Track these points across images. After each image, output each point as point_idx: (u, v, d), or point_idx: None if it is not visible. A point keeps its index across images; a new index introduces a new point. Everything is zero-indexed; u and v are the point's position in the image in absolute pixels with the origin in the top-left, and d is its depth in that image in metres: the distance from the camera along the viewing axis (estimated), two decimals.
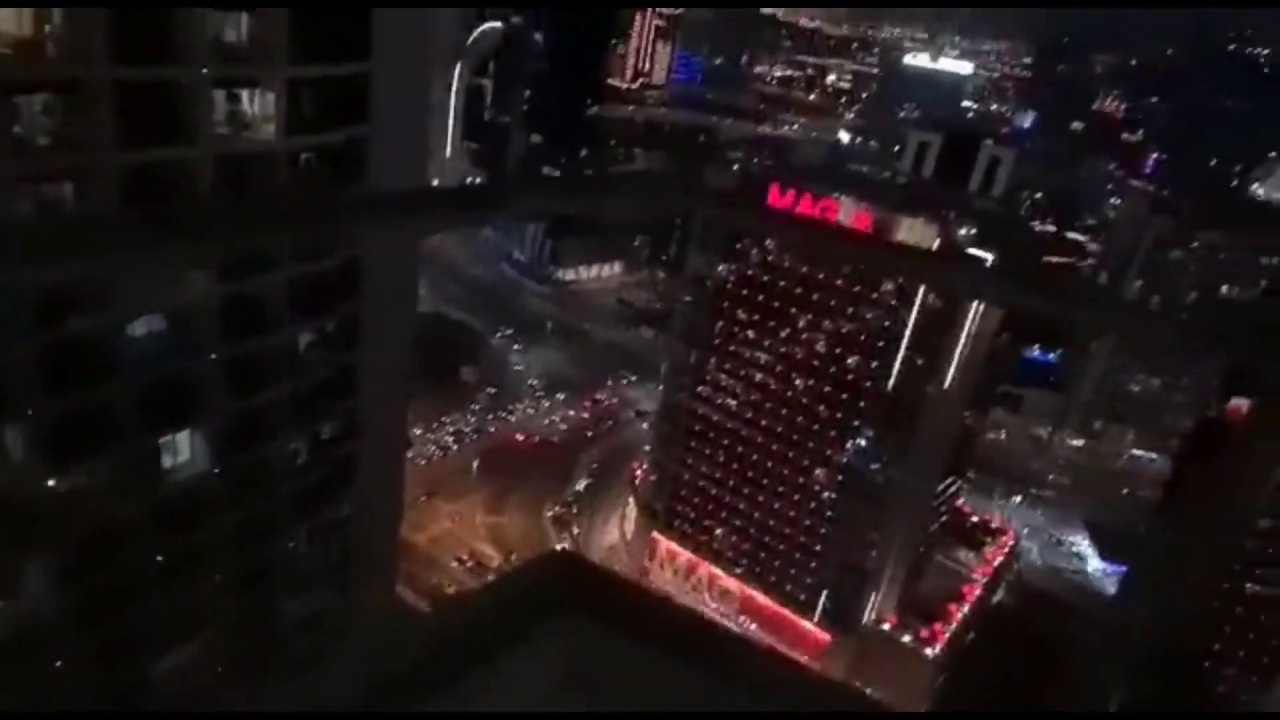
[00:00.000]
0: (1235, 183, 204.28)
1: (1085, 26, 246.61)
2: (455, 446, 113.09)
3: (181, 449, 32.69)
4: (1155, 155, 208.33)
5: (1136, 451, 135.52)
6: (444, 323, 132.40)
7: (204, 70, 28.62)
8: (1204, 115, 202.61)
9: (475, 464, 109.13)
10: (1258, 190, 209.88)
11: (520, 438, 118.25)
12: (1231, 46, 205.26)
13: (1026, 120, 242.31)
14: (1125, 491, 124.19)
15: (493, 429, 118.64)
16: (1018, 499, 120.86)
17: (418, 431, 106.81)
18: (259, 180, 32.08)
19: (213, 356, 31.93)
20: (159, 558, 32.40)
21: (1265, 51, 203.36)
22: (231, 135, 31.06)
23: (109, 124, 26.59)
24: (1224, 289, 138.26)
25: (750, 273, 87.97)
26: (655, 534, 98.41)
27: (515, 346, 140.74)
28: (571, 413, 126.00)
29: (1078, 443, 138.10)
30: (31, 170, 26.38)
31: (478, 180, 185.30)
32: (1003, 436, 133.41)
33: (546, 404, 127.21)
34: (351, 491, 40.41)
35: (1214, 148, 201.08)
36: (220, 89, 30.34)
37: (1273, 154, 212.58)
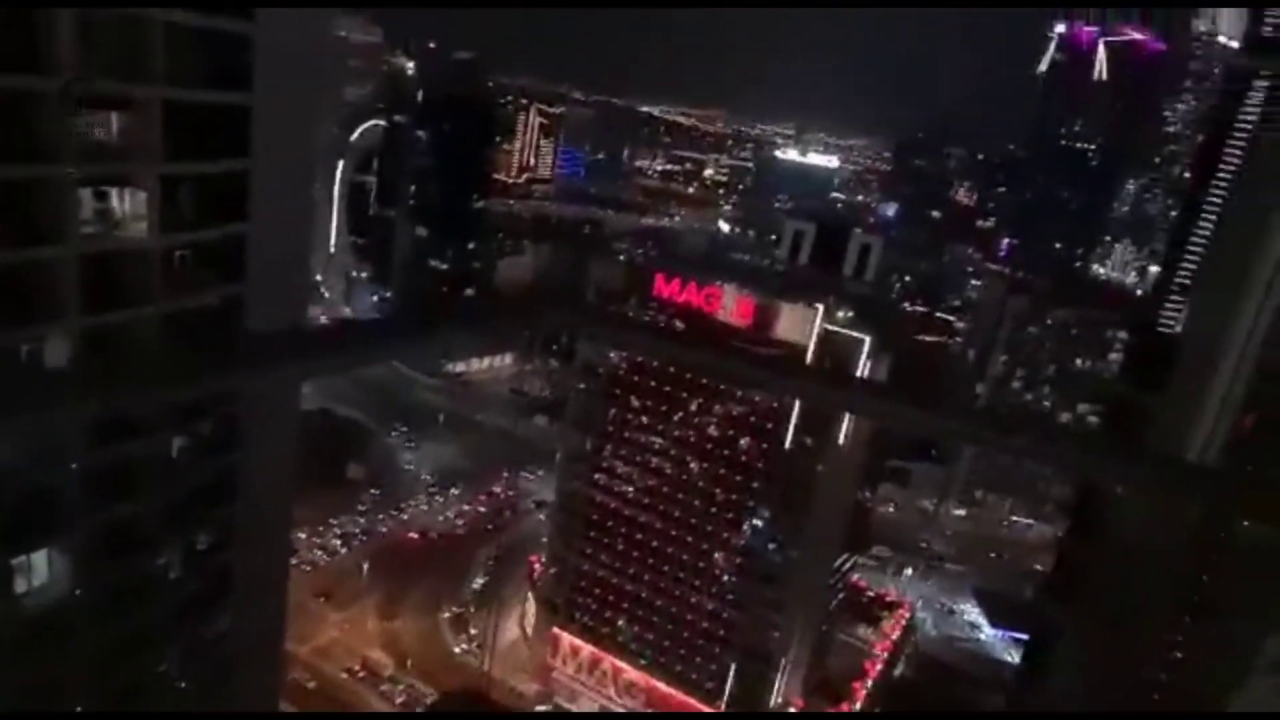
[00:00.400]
0: (1079, 264, 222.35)
1: (937, 124, 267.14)
2: (344, 549, 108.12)
3: (38, 570, 30.13)
4: (1007, 240, 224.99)
5: (1016, 518, 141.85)
6: (330, 419, 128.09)
7: (70, 171, 27.67)
8: (1044, 204, 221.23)
9: (365, 566, 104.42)
10: (1098, 270, 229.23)
11: (414, 536, 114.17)
12: (1063, 142, 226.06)
13: (890, 210, 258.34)
14: (1007, 558, 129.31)
15: (384, 528, 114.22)
16: (910, 571, 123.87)
17: (302, 535, 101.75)
18: (129, 279, 30.85)
19: (74, 466, 29.90)
20: (8, 695, 29.39)
21: (1092, 146, 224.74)
22: (101, 234, 29.89)
23: None
24: (1078, 361, 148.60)
25: (641, 359, 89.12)
26: (556, 629, 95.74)
27: (407, 441, 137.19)
28: (466, 507, 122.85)
29: (962, 513, 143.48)
30: None
31: (363, 274, 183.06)
32: (893, 510, 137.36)
33: (440, 499, 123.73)
34: (230, 604, 37.96)
35: (1056, 233, 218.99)
36: (88, 187, 29.32)
37: (1107, 238, 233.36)
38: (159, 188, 30.87)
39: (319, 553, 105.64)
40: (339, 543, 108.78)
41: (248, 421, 35.85)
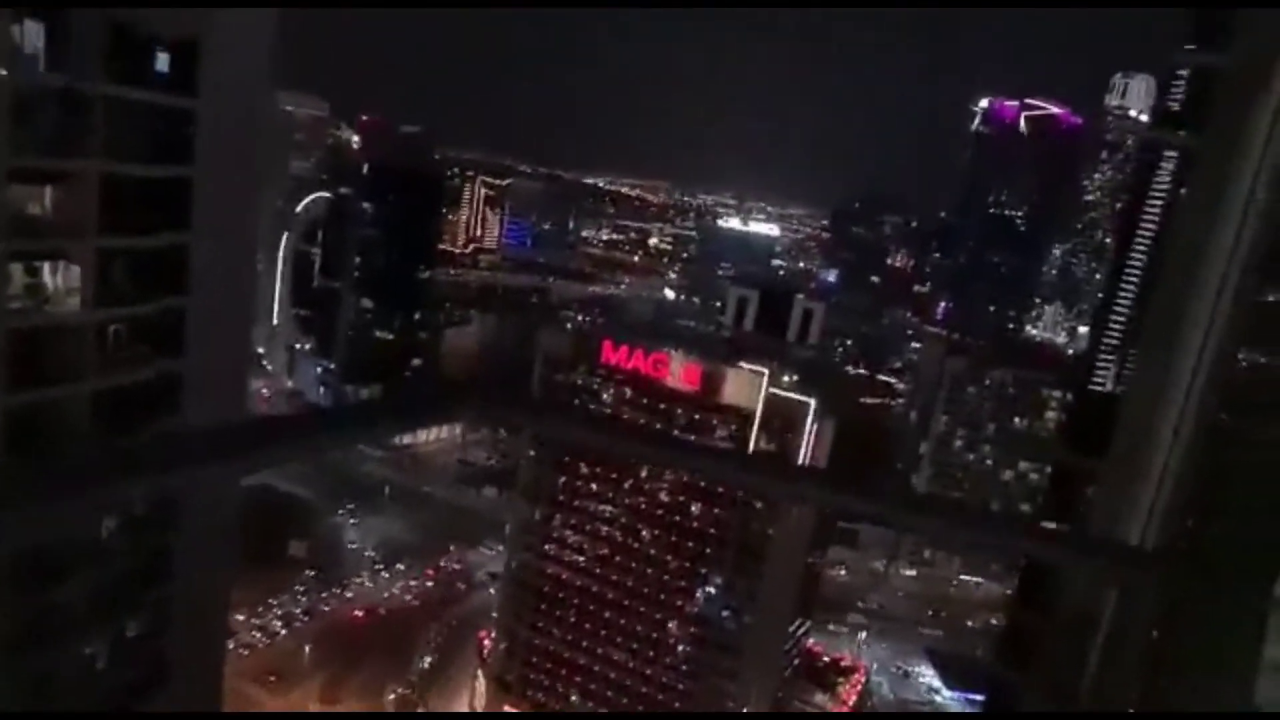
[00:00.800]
0: (1012, 325, 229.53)
1: (872, 192, 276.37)
2: (284, 630, 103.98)
3: None
4: (944, 304, 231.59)
5: (965, 577, 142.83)
6: (272, 494, 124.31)
7: (4, 245, 27.04)
8: (978, 268, 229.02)
9: (307, 648, 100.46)
10: (1031, 331, 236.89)
11: (358, 614, 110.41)
12: (992, 210, 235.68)
13: (831, 276, 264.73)
14: (959, 617, 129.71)
15: (327, 607, 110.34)
16: (864, 634, 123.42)
17: (241, 617, 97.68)
18: (60, 356, 29.95)
19: None
20: None
21: (1019, 213, 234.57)
22: (30, 310, 29.06)
23: None
24: (1016, 420, 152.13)
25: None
26: (508, 707, 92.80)
27: (352, 516, 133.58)
28: (413, 582, 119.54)
29: (912, 573, 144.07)
30: None
31: (307, 345, 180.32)
32: (844, 573, 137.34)
33: (386, 575, 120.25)
34: (162, 695, 36.05)
35: (990, 296, 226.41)
36: (19, 262, 28.60)
37: (1038, 300, 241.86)
38: (94, 262, 30.26)
39: (258, 635, 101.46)
40: (279, 624, 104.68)
41: (184, 500, 34.68)
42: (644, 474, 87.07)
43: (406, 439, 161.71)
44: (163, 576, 34.97)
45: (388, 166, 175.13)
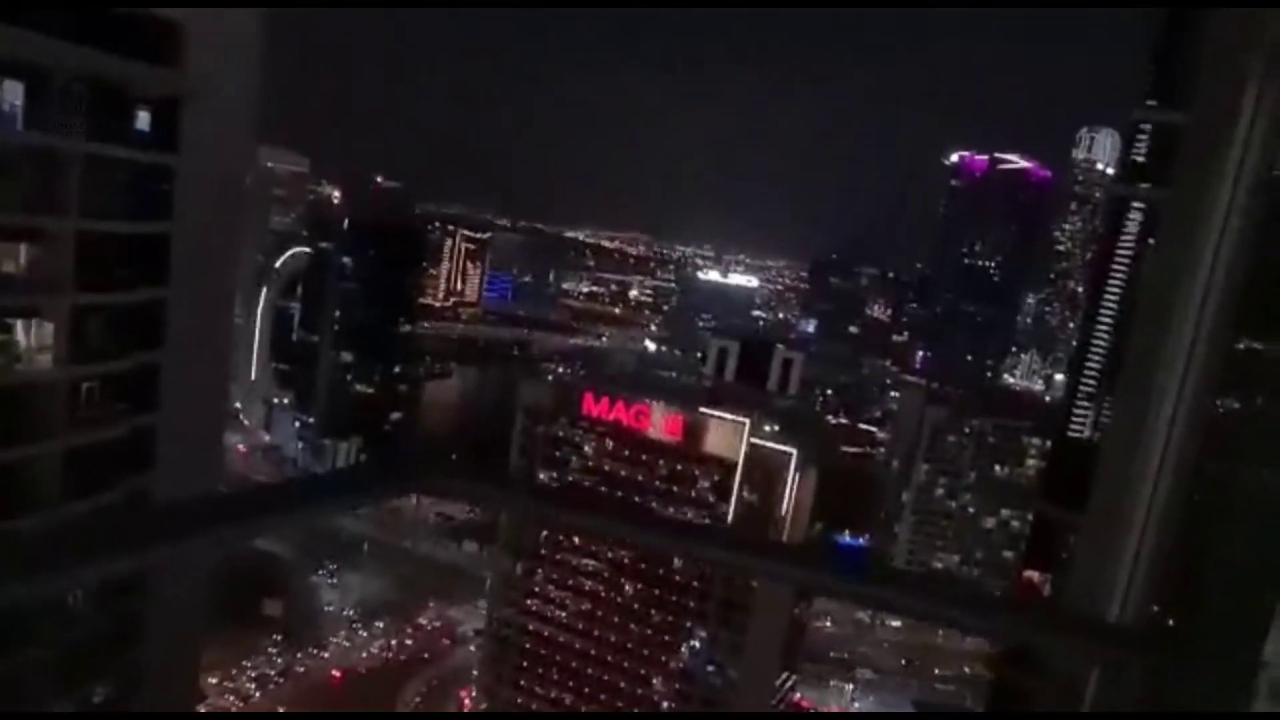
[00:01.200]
0: (990, 374, 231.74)
1: (849, 244, 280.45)
2: (258, 692, 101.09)
3: None
4: (922, 353, 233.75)
5: (951, 628, 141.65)
6: (243, 550, 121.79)
7: None
8: (954, 318, 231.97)
9: (281, 710, 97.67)
10: (1009, 379, 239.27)
11: (335, 674, 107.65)
12: (966, 260, 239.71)
13: (810, 326, 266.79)
14: (946, 668, 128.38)
15: (302, 668, 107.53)
16: (850, 686, 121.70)
17: (213, 680, 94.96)
18: (31, 413, 29.51)
19: None
20: None
21: (992, 264, 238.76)
22: (1, 367, 28.68)
23: None
24: (997, 468, 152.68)
25: (571, 477, 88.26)
26: None
27: (329, 573, 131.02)
28: (392, 641, 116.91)
29: (897, 623, 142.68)
30: None
31: (285, 399, 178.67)
32: (829, 624, 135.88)
33: (364, 634, 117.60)
34: None
35: (967, 345, 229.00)
36: None
37: (1014, 349, 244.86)
38: (69, 318, 30.00)
39: (231, 698, 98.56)
40: (253, 686, 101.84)
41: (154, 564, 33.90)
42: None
43: None
44: (131, 641, 34.02)
45: (368, 221, 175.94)
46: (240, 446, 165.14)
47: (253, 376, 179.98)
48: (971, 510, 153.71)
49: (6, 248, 28.53)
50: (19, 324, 29.52)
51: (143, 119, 31.74)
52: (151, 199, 32.10)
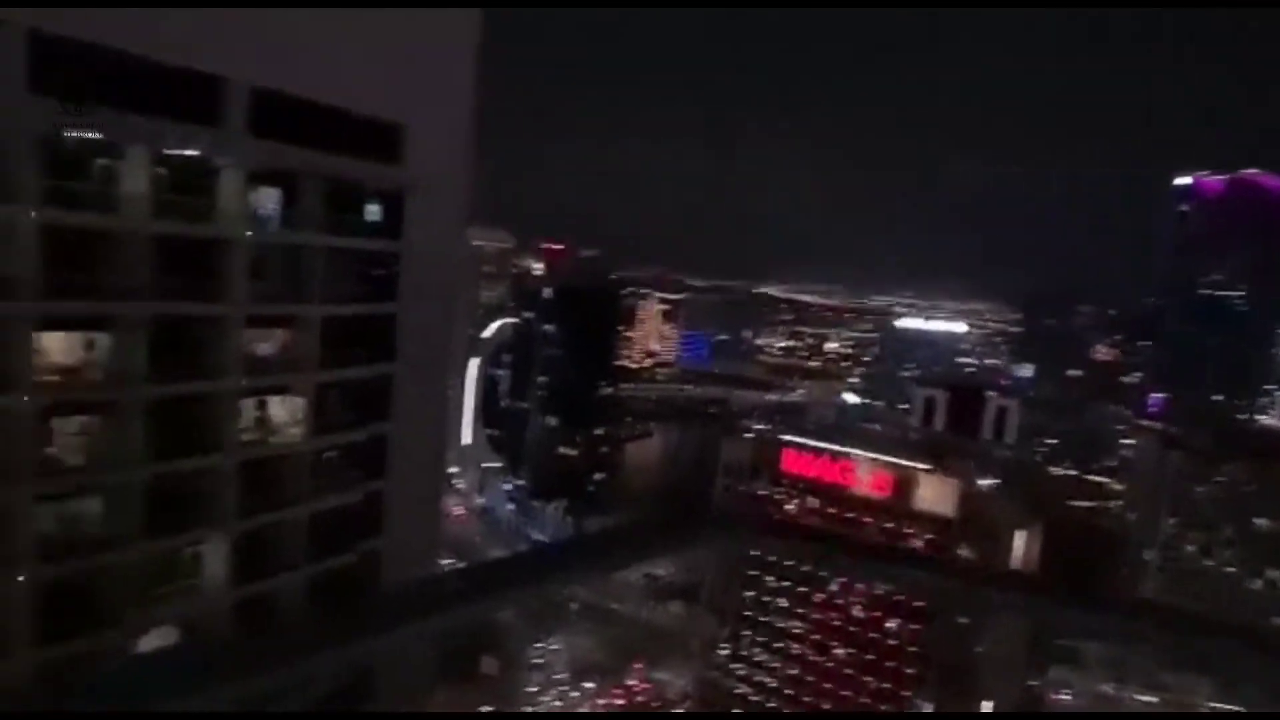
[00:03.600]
0: (1242, 415, 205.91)
1: (1064, 282, 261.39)
2: None
3: None
4: (1156, 395, 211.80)
5: (1216, 705, 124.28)
6: None
7: (236, 385, 30.21)
8: (1193, 355, 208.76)
9: None
10: (1265, 420, 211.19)
11: None
12: (1202, 291, 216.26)
13: (1025, 371, 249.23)
14: None
15: None
16: None
17: None
18: (283, 481, 32.64)
19: None
20: None
21: (1236, 292, 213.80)
22: (257, 441, 32.05)
23: (139, 440, 27.54)
24: (1257, 521, 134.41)
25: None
26: None
27: (539, 632, 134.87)
28: (601, 702, 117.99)
29: (1151, 699, 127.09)
30: (56, 489, 26.83)
31: (496, 464, 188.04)
32: (1069, 697, 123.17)
33: (574, 694, 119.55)
34: None
35: (1212, 384, 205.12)
36: (250, 398, 31.80)
37: (1270, 385, 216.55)
38: (314, 394, 33.17)
39: None
40: None
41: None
42: (834, 587, 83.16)
43: None
44: (365, 697, 36.19)
45: (568, 290, 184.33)
46: (457, 509, 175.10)
47: (466, 442, 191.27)
48: (1231, 569, 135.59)
49: (263, 333, 32.10)
50: (272, 400, 33.06)
51: (372, 211, 35.18)
52: (380, 283, 35.31)
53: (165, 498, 28.46)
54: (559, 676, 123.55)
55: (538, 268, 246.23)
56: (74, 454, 27.35)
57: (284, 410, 33.19)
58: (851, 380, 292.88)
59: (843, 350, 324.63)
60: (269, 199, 31.68)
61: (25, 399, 24.82)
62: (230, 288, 29.57)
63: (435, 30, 35.57)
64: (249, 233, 30.06)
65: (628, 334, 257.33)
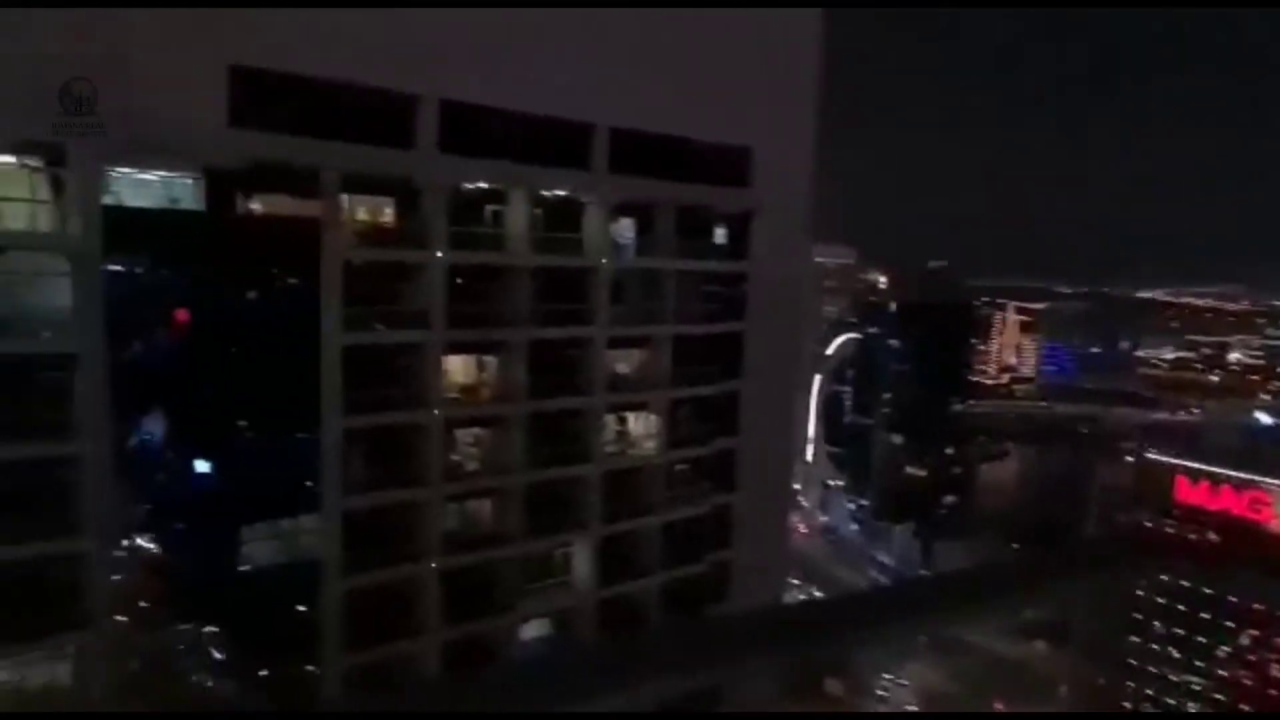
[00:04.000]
0: None
1: None
2: None
3: None
4: None
5: None
6: None
7: (601, 400, 33.02)
8: None
9: None
10: None
11: None
12: None
13: None
14: None
15: None
16: None
17: None
18: (640, 492, 34.97)
19: None
20: None
21: None
22: (618, 453, 34.70)
23: (522, 450, 31.09)
24: None
25: (1164, 578, 75.20)
26: None
27: (886, 661, 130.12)
28: None
29: None
30: (458, 491, 31.06)
31: (839, 482, 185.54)
32: None
33: None
34: None
35: None
36: (611, 413, 34.57)
37: None
38: (667, 410, 35.20)
39: None
40: None
41: None
42: (1245, 640, 70.48)
43: None
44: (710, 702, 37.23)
45: (915, 303, 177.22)
46: (800, 527, 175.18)
47: (808, 459, 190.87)
48: None
49: (623, 354, 34.77)
50: (631, 416, 35.66)
51: (719, 234, 36.71)
52: (728, 302, 36.65)
53: (541, 502, 31.83)
54: (911, 708, 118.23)
55: (882, 281, 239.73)
56: (471, 461, 31.60)
57: (641, 425, 35.61)
58: (1264, 397, 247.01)
59: (1250, 361, 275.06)
60: (626, 228, 34.33)
61: (436, 413, 29.11)
62: (594, 312, 32.40)
63: (777, 49, 36.20)
64: (609, 261, 32.75)
65: (981, 347, 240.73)
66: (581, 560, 33.65)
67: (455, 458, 31.05)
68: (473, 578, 30.57)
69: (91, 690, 23.10)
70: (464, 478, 30.91)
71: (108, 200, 23.42)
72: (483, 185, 30.32)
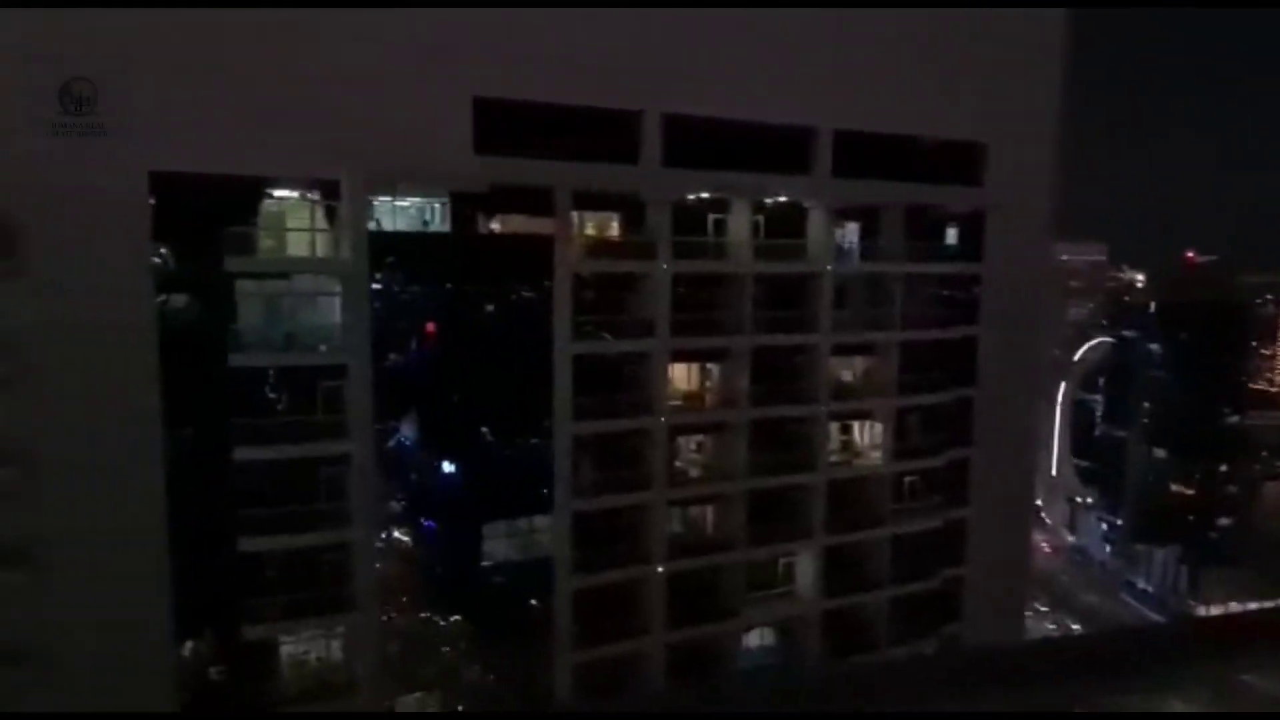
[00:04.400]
0: None
1: None
2: None
3: None
4: None
5: None
6: None
7: (825, 408, 32.31)
8: None
9: None
10: None
11: None
12: None
13: None
14: None
15: None
16: None
17: None
18: (866, 503, 33.87)
19: None
20: None
21: None
22: (842, 463, 33.78)
23: (744, 457, 31.08)
24: None
25: None
26: None
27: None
28: None
29: None
30: (681, 497, 31.56)
31: (1088, 499, 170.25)
32: None
33: None
34: None
35: None
36: (835, 422, 33.71)
37: None
38: (893, 419, 33.86)
39: None
40: None
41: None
42: None
43: (1213, 612, 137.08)
44: None
45: (1179, 303, 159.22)
46: (1044, 546, 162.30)
47: (1053, 473, 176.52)
48: None
49: (846, 361, 33.86)
50: (855, 425, 34.61)
51: (950, 235, 34.78)
52: (959, 306, 34.64)
53: (764, 509, 31.64)
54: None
55: (1138, 279, 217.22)
56: (694, 467, 32.04)
57: (866, 434, 34.48)
58: None
59: None
60: (850, 232, 33.44)
61: (662, 420, 29.80)
62: (817, 318, 31.81)
63: (1017, 43, 33.75)
64: (832, 266, 32.03)
65: (1265, 351, 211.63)
66: (805, 570, 33.10)
67: (679, 464, 31.61)
68: (696, 582, 30.95)
69: (360, 667, 25.76)
70: (687, 483, 31.40)
71: (370, 226, 26.12)
72: (704, 195, 30.73)
